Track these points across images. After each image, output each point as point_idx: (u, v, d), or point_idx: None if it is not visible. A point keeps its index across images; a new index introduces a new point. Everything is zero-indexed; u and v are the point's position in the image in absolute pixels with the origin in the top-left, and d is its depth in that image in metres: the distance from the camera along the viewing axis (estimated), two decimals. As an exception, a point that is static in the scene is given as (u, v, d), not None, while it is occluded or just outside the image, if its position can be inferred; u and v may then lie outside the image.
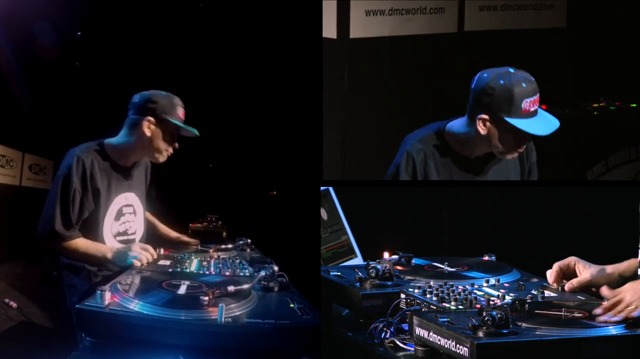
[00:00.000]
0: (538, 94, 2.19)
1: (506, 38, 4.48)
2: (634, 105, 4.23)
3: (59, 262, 2.62)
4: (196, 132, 2.61)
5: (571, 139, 4.18)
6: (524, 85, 2.16)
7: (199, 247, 2.88)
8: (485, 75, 2.22)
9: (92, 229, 2.53)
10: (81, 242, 2.50)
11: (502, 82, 2.16)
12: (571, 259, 1.97)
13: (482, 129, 2.22)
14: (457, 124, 2.34)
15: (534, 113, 2.19)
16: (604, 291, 1.79)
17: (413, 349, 1.60)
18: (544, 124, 2.20)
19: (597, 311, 1.67)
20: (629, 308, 1.63)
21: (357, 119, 4.09)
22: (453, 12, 4.44)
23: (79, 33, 5.16)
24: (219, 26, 5.71)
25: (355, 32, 4.07)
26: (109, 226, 2.58)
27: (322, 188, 2.43)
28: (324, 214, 2.39)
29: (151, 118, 2.54)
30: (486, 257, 2.25)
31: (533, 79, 2.20)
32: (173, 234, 3.07)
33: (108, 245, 2.56)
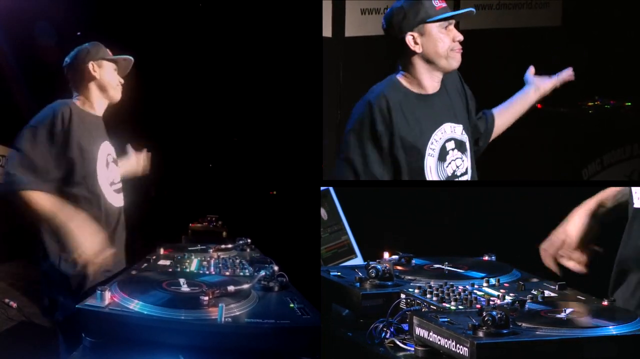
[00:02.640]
0: None
1: (501, 37, 4.49)
2: (629, 103, 4.24)
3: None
4: (130, 56, 2.76)
5: (566, 137, 4.19)
6: None
7: (198, 247, 2.87)
8: (387, 10, 2.41)
9: (87, 180, 2.52)
10: (43, 199, 2.41)
11: (398, 0, 2.38)
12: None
13: (415, 47, 2.36)
14: (400, 68, 2.45)
15: (447, 9, 2.36)
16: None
17: (413, 349, 1.60)
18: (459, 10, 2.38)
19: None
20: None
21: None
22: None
23: (78, 33, 5.16)
24: (218, 26, 5.71)
25: (350, 30, 4.07)
26: (103, 174, 2.61)
27: (322, 188, 2.43)
28: (324, 214, 2.39)
29: (93, 62, 2.68)
30: (486, 257, 2.25)
31: None
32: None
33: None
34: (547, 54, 4.44)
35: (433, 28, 2.34)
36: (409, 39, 2.36)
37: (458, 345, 1.44)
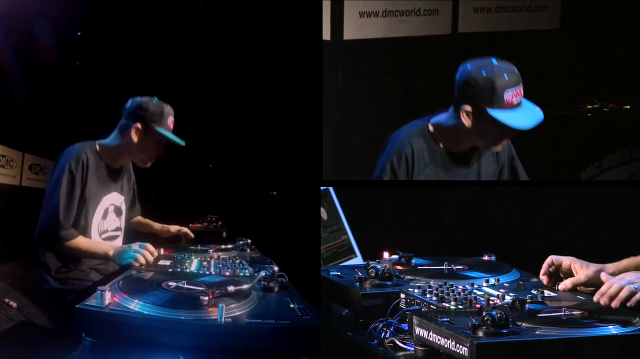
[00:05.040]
0: (521, 85, 2.21)
1: (500, 40, 4.48)
2: (628, 107, 4.24)
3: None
4: (182, 143, 2.71)
5: (565, 140, 4.18)
6: (505, 76, 2.19)
7: (198, 247, 2.88)
8: (468, 66, 2.26)
9: (81, 226, 2.58)
10: (82, 241, 2.55)
11: (484, 73, 2.20)
12: (567, 260, 1.95)
13: (466, 121, 2.26)
14: (442, 118, 2.36)
15: (517, 105, 2.21)
16: (603, 277, 1.81)
17: (413, 349, 1.60)
18: (526, 116, 2.22)
19: (595, 297, 1.74)
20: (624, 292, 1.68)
21: (351, 120, 4.10)
22: (447, 13, 4.45)
23: (79, 33, 5.16)
24: (219, 27, 5.71)
25: (349, 33, 4.07)
26: (97, 224, 2.66)
27: (322, 188, 2.44)
28: (323, 214, 2.39)
29: (139, 125, 2.65)
30: (486, 257, 2.25)
31: (516, 70, 2.23)
32: (173, 228, 3.13)
33: (107, 243, 2.60)
34: (546, 57, 4.46)
35: (490, 116, 2.20)
36: (463, 112, 2.25)
37: (458, 345, 1.44)
